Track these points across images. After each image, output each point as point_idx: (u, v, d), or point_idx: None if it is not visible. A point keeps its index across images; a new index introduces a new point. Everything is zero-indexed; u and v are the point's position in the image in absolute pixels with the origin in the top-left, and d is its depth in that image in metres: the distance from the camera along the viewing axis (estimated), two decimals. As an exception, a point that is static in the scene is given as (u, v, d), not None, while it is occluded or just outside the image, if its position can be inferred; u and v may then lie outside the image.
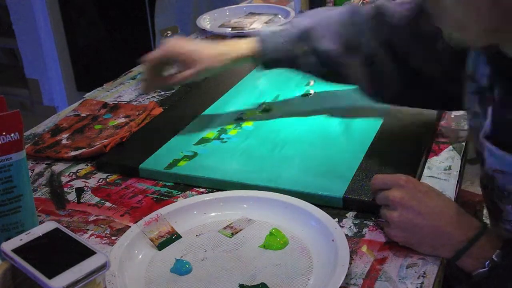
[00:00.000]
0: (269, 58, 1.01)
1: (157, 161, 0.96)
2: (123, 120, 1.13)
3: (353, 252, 0.74)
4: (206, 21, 1.75)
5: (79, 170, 0.99)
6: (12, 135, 0.70)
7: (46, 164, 1.01)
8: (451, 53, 0.85)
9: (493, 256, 0.69)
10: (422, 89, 0.95)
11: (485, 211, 1.11)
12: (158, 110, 1.16)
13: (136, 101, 1.24)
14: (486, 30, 0.65)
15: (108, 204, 0.89)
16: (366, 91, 1.00)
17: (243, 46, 1.02)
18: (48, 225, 0.64)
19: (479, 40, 0.68)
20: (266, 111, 1.13)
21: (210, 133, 1.05)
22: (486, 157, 0.76)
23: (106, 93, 1.29)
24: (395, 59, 0.94)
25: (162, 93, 1.26)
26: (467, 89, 0.82)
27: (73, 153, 1.01)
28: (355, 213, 0.82)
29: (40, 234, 0.63)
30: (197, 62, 1.00)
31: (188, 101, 1.19)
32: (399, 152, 0.94)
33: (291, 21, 1.03)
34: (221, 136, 1.04)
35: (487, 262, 0.69)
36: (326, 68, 1.00)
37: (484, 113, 0.78)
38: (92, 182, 0.95)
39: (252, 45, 1.01)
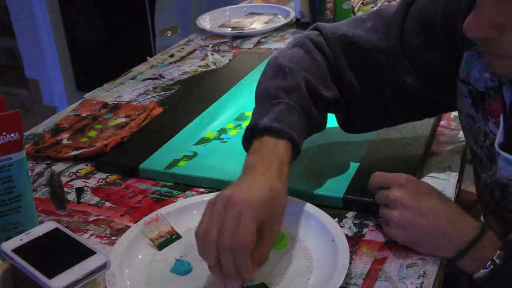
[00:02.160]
0: (302, 142, 0.80)
1: (157, 161, 0.96)
2: (123, 120, 1.13)
3: (353, 252, 0.74)
4: (206, 21, 1.75)
5: (79, 170, 0.99)
6: (12, 135, 0.70)
7: (46, 164, 1.01)
8: (439, 62, 0.82)
9: (494, 257, 0.69)
10: (403, 108, 0.89)
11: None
12: (158, 110, 1.16)
13: (136, 101, 1.24)
14: None
15: (108, 204, 0.89)
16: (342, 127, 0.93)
17: (282, 156, 0.76)
18: (48, 225, 0.64)
19: None
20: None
21: (210, 133, 1.05)
22: (501, 166, 0.74)
23: (106, 93, 1.29)
24: (369, 87, 0.87)
25: (162, 93, 1.27)
26: (459, 90, 0.81)
27: (73, 153, 1.01)
28: (355, 213, 0.82)
29: (40, 234, 0.63)
30: (272, 221, 0.70)
31: (188, 101, 1.19)
32: (399, 152, 0.94)
33: (273, 94, 0.81)
34: (221, 136, 1.04)
35: (488, 263, 0.69)
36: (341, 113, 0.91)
37: (484, 118, 0.77)
38: (92, 182, 0.95)
39: (282, 148, 0.77)
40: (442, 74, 0.83)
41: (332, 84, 0.85)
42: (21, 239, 0.62)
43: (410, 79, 0.84)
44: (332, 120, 1.06)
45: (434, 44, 0.82)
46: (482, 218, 0.93)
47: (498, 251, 0.69)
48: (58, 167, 1.00)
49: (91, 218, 0.85)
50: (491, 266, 0.68)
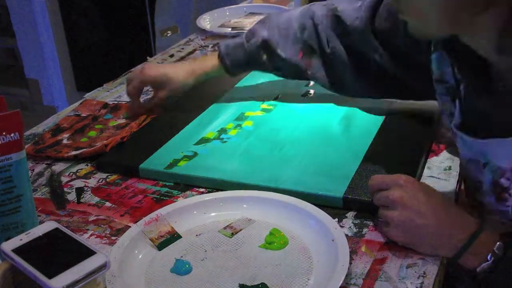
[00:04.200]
0: (233, 72, 1.12)
1: (157, 161, 0.96)
2: (123, 120, 1.13)
3: (353, 252, 0.74)
4: (206, 21, 1.75)
5: (79, 170, 0.99)
6: (12, 135, 0.70)
7: (46, 164, 1.01)
8: (411, 48, 0.91)
9: (494, 248, 0.69)
10: (386, 84, 1.00)
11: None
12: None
13: (136, 101, 1.24)
14: (445, 20, 0.68)
15: (108, 204, 0.89)
16: (326, 87, 1.07)
17: (207, 64, 1.12)
18: (48, 225, 0.64)
19: (440, 30, 0.72)
20: (266, 111, 1.13)
21: (210, 133, 1.05)
22: (459, 147, 0.77)
23: (106, 93, 1.29)
24: (353, 56, 1.00)
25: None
26: (437, 92, 0.84)
27: (73, 153, 1.01)
28: (355, 213, 0.82)
29: (40, 234, 0.63)
30: (168, 83, 1.12)
31: (188, 101, 1.19)
32: (399, 152, 0.94)
33: (250, 31, 1.10)
34: (221, 136, 1.04)
35: (489, 255, 0.69)
36: (289, 71, 1.09)
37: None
38: (92, 182, 0.95)
39: (216, 62, 1.11)
40: (408, 59, 0.93)
41: (295, 47, 1.05)
42: (21, 239, 0.62)
43: (378, 57, 0.97)
44: (332, 120, 1.06)
45: (398, 32, 0.92)
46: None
47: (498, 242, 0.69)
48: (58, 167, 1.00)
49: (91, 218, 0.85)
50: (492, 258, 0.69)
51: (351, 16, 1.00)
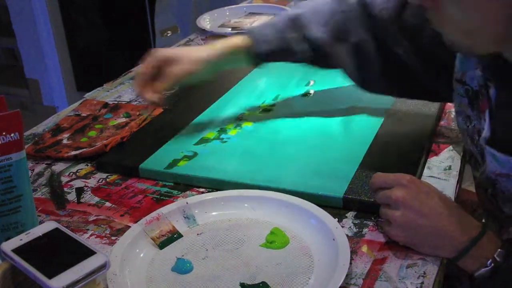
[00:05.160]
0: (262, 50, 1.01)
1: (157, 161, 0.96)
2: (123, 119, 1.13)
3: (353, 252, 0.74)
4: (206, 21, 1.75)
5: (79, 170, 0.99)
6: (12, 135, 0.70)
7: (46, 164, 1.01)
8: (436, 48, 0.86)
9: (495, 255, 0.69)
10: (406, 81, 0.96)
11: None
12: (158, 110, 1.16)
13: (136, 101, 1.24)
14: (494, 38, 0.66)
15: (108, 204, 0.89)
16: (354, 79, 1.01)
17: (234, 40, 1.02)
18: (48, 225, 0.64)
19: (486, 48, 0.69)
20: (266, 111, 1.13)
21: (210, 133, 1.05)
22: (488, 161, 0.75)
23: (106, 93, 1.29)
24: (379, 48, 0.95)
25: (162, 93, 1.26)
26: (456, 91, 0.82)
27: (73, 153, 1.01)
28: (355, 213, 0.82)
29: (40, 234, 0.63)
30: (186, 61, 0.99)
31: (188, 101, 1.19)
32: (399, 152, 0.94)
33: (279, 13, 1.04)
34: (221, 136, 1.04)
35: (489, 261, 0.69)
36: (316, 55, 1.00)
37: (477, 116, 0.78)
38: (92, 182, 0.95)
39: (244, 39, 1.01)
40: (431, 58, 0.90)
41: (325, 29, 0.98)
42: (21, 239, 0.62)
43: (402, 52, 0.92)
44: (332, 120, 1.06)
45: (425, 30, 0.88)
46: (483, 220, 0.93)
47: (499, 250, 0.69)
48: (58, 167, 1.00)
49: (91, 218, 0.85)
50: (492, 264, 0.69)
51: (378, 6, 0.95)
